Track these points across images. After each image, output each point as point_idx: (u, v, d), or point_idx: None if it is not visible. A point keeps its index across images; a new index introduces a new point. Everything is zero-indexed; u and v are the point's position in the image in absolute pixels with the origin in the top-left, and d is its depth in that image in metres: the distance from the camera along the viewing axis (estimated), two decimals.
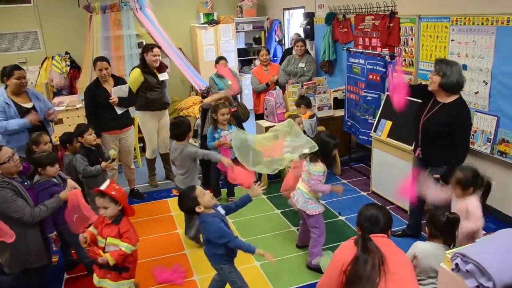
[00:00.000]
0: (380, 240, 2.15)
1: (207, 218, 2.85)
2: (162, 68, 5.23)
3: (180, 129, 3.88)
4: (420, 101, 3.64)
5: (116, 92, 4.62)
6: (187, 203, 2.85)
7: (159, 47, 5.30)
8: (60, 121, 5.47)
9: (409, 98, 3.59)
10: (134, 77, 4.95)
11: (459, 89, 3.35)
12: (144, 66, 5.05)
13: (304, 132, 4.82)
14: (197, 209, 2.82)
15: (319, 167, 3.42)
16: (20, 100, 4.18)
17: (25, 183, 3.18)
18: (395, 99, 3.53)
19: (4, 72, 4.12)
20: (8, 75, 4.08)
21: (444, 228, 2.61)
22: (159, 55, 5.07)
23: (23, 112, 4.12)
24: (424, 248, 2.65)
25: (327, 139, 3.47)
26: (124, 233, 2.90)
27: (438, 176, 3.37)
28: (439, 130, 3.38)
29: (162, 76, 5.18)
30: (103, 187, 2.87)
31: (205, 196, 2.85)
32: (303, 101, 5.04)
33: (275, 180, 5.27)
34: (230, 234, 2.83)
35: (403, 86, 3.52)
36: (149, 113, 5.19)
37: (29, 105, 4.21)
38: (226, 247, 2.85)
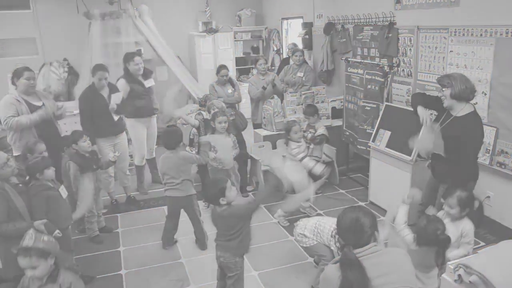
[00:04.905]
0: (367, 260, 1.87)
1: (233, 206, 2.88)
2: (147, 74, 5.25)
3: (173, 138, 3.89)
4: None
5: (114, 99, 4.61)
6: (215, 191, 2.80)
7: (140, 55, 5.34)
8: None
9: (424, 107, 3.47)
10: (121, 88, 4.93)
11: (472, 94, 3.25)
12: (128, 75, 5.07)
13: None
14: (221, 201, 2.80)
15: None
16: (31, 99, 4.28)
17: (20, 185, 3.15)
18: None
19: (15, 73, 4.26)
20: (18, 75, 4.21)
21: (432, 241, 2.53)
22: (141, 63, 5.11)
23: (33, 109, 4.20)
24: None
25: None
26: None
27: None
28: (446, 144, 3.28)
29: (148, 83, 5.21)
30: (25, 243, 2.34)
31: (232, 191, 2.84)
32: (314, 109, 5.02)
33: None
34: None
35: None
36: (139, 120, 5.22)
37: (39, 103, 4.31)
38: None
